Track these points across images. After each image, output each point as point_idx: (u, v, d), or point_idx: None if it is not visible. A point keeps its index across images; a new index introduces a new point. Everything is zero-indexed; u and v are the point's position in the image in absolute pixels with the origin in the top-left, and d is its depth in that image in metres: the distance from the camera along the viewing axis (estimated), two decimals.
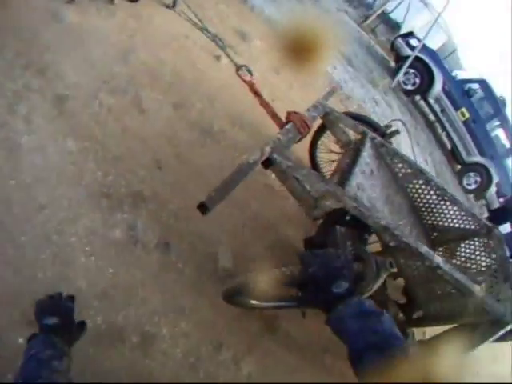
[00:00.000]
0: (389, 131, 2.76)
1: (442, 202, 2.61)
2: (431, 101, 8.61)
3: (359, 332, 0.97)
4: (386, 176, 2.41)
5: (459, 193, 8.68)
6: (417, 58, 7.76)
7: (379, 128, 2.77)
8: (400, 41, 8.68)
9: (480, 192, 9.39)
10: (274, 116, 2.32)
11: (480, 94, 8.70)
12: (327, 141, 3.05)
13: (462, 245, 2.70)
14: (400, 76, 7.77)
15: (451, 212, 2.63)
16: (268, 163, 1.77)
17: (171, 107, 2.87)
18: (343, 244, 2.01)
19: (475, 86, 8.59)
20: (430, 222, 2.72)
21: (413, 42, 8.38)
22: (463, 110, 8.44)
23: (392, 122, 2.90)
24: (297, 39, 1.80)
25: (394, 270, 1.78)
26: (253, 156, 1.68)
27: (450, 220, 2.67)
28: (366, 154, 2.22)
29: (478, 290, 2.01)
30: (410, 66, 7.75)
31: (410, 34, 8.94)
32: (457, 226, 2.67)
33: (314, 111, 2.30)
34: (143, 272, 2.02)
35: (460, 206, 2.61)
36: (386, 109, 6.29)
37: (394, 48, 8.99)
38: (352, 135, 2.61)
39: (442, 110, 8.58)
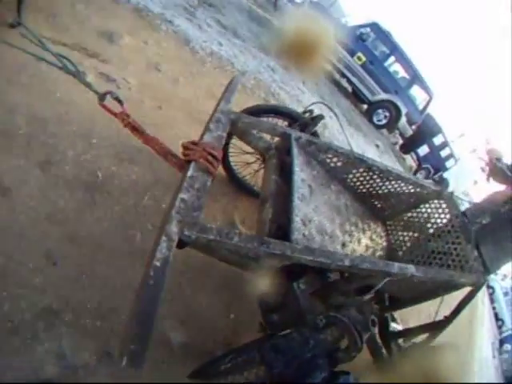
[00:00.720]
0: (312, 117, 2.32)
1: (387, 183, 2.39)
2: None
3: None
4: (322, 178, 2.00)
5: (372, 131, 8.83)
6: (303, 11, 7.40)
7: (299, 118, 2.32)
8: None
9: (391, 125, 9.74)
10: (166, 154, 1.64)
11: (372, 36, 8.80)
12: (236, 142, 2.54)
13: (415, 213, 2.60)
14: None
15: (398, 188, 2.45)
16: (183, 245, 1.23)
17: (38, 170, 2.15)
18: (308, 306, 1.56)
19: (367, 29, 8.65)
20: (377, 203, 2.53)
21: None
22: (359, 54, 8.56)
23: (312, 106, 2.45)
24: None
25: (375, 330, 1.40)
26: (157, 254, 1.11)
27: (397, 195, 2.49)
28: (297, 164, 1.75)
29: (455, 275, 2.01)
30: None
31: None
32: (405, 198, 2.52)
33: (217, 129, 1.67)
34: None
35: (406, 180, 2.41)
36: (284, 73, 5.90)
37: (276, 5, 8.71)
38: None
39: (338, 58, 8.43)
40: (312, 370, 1.04)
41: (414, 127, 10.12)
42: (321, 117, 2.31)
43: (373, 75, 8.77)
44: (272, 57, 6.06)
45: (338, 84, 9.35)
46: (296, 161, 1.75)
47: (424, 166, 11.27)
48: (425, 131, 10.63)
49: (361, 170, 2.26)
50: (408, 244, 2.54)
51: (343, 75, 9.00)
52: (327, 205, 1.90)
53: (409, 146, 11.27)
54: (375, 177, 2.32)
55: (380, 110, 9.27)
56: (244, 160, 2.67)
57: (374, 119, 9.32)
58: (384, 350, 2.15)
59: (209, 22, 5.42)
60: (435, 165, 11.41)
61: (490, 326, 10.40)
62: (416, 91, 9.97)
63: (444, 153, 11.44)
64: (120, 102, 1.68)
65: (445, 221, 2.43)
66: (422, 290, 2.12)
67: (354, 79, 8.82)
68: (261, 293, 1.67)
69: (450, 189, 15.11)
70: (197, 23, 5.07)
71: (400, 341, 2.39)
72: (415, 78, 9.39)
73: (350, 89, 9.61)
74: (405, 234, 2.58)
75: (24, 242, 1.83)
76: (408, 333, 2.39)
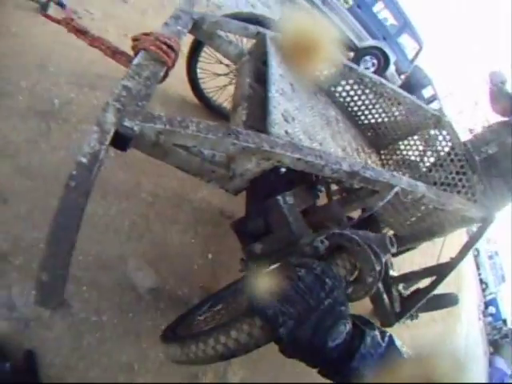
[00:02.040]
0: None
1: (380, 100, 2.12)
2: None
3: None
4: (306, 84, 1.68)
5: None
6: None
7: (273, 24, 1.97)
8: None
9: (379, 73, 9.24)
10: (114, 53, 1.38)
11: None
12: (208, 62, 2.23)
13: (412, 141, 2.37)
14: None
15: (393, 109, 2.19)
16: (123, 141, 0.91)
17: None
18: (299, 226, 1.23)
19: None
20: (369, 129, 2.28)
21: None
22: None
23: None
24: None
25: (394, 248, 1.08)
26: (85, 147, 0.81)
27: (391, 119, 2.25)
28: (274, 61, 1.43)
29: (468, 204, 1.78)
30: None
31: None
32: (400, 123, 2.27)
33: (175, 24, 1.35)
34: None
35: (402, 100, 2.15)
36: (263, 10, 5.56)
37: None
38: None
39: (323, 1, 7.99)
40: (334, 325, 0.75)
41: (402, 77, 9.74)
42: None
43: (360, 20, 8.33)
44: None
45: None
46: (273, 58, 1.43)
47: None
48: (414, 82, 10.21)
49: (351, 81, 1.99)
50: (407, 175, 2.26)
51: (329, 18, 8.45)
52: (314, 110, 1.59)
53: None
54: (367, 91, 2.05)
55: (368, 57, 8.72)
56: (218, 84, 2.37)
57: (362, 66, 8.79)
58: (385, 296, 1.93)
59: None
60: None
61: (475, 289, 10.48)
62: (405, 40, 9.52)
63: (433, 106, 11.14)
64: (62, 6, 1.40)
65: (447, 149, 2.20)
66: (425, 224, 1.88)
67: (340, 23, 8.29)
68: (237, 218, 1.38)
69: None
70: None
71: (401, 286, 2.19)
72: (405, 25, 8.93)
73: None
74: (402, 164, 2.35)
75: None
76: (409, 277, 2.20)
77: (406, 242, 2.05)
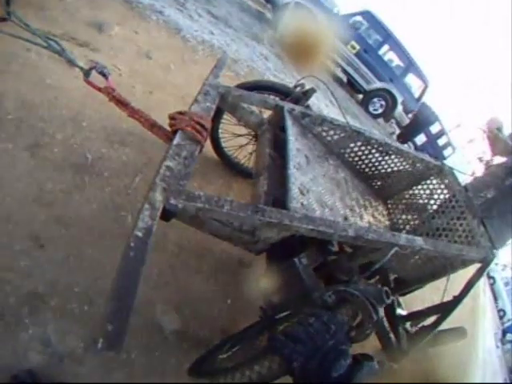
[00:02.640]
0: (303, 91, 2.22)
1: (386, 158, 2.32)
2: None
3: None
4: (319, 152, 1.90)
5: (369, 121, 8.74)
6: (296, 4, 7.38)
7: (291, 92, 2.22)
8: None
9: (388, 114, 9.66)
10: (153, 126, 1.56)
11: (365, 24, 8.70)
12: (228, 123, 2.43)
13: (416, 191, 2.54)
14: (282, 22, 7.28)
15: (398, 163, 2.38)
16: (169, 215, 1.12)
17: (27, 153, 2.07)
18: (312, 282, 1.45)
19: (359, 18, 8.56)
20: (377, 181, 2.47)
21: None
22: (352, 43, 8.42)
23: (302, 80, 2.33)
24: None
25: (390, 300, 1.28)
26: (140, 223, 1.01)
27: (397, 172, 2.43)
28: (291, 135, 1.66)
29: (465, 249, 1.93)
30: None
31: None
32: (405, 175, 2.46)
33: (205, 100, 1.59)
34: None
35: (406, 155, 2.34)
36: (277, 62, 5.83)
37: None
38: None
39: (332, 49, 8.31)
40: (336, 360, 0.95)
41: (410, 116, 9.99)
42: (313, 90, 2.22)
43: (367, 64, 8.66)
44: (265, 46, 5.98)
45: (332, 74, 9.22)
46: (290, 131, 1.66)
47: None
48: (421, 120, 10.51)
49: (359, 143, 2.19)
50: (411, 222, 2.46)
51: (337, 65, 8.87)
52: (326, 177, 1.81)
53: (406, 135, 11.17)
54: (374, 151, 2.25)
55: (376, 99, 9.16)
56: (237, 143, 2.58)
57: (370, 108, 9.21)
58: (392, 335, 2.06)
59: (200, 12, 5.34)
60: (433, 154, 11.29)
61: (492, 316, 10.33)
62: (411, 79, 9.86)
63: (441, 141, 11.36)
64: (105, 76, 1.60)
65: (448, 196, 2.36)
66: (428, 268, 2.03)
67: (348, 68, 8.70)
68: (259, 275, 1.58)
69: None
70: (187, 13, 5.00)
71: (407, 325, 2.30)
72: (410, 65, 9.27)
73: (344, 78, 9.49)
74: (407, 212, 2.51)
75: (10, 224, 1.75)
76: (415, 316, 2.30)
77: (411, 284, 2.23)
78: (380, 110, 9.28)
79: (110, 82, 1.64)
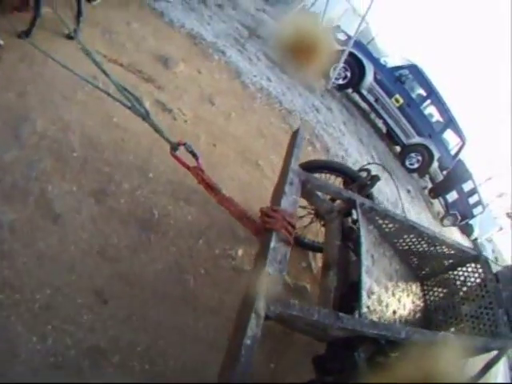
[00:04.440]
0: (369, 178, 2.33)
1: (432, 248, 2.44)
2: (364, 92, 8.43)
3: None
4: (379, 245, 2.03)
5: (404, 175, 8.76)
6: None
7: (356, 177, 2.34)
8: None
9: (423, 170, 9.68)
10: (242, 217, 1.64)
11: (411, 78, 8.77)
12: None
13: (452, 275, 2.63)
14: (334, 74, 7.43)
15: (440, 252, 2.50)
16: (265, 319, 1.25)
17: (92, 199, 2.15)
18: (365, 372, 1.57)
19: (405, 71, 8.61)
20: (419, 264, 2.59)
21: (340, 36, 8.03)
22: (397, 96, 8.45)
23: (367, 166, 2.45)
24: None
25: None
26: (248, 331, 1.13)
27: (438, 257, 2.56)
28: (364, 235, 1.78)
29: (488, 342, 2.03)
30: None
31: (337, 28, 8.62)
32: (445, 260, 2.59)
33: (291, 192, 1.69)
34: None
35: (449, 245, 2.47)
36: (326, 114, 5.97)
37: None
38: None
39: (376, 100, 8.48)
40: None
41: (444, 172, 10.01)
42: (378, 178, 2.32)
43: (408, 118, 8.70)
44: (317, 96, 6.14)
45: (373, 124, 9.35)
46: (363, 231, 1.77)
47: (451, 212, 11.08)
48: (455, 177, 10.49)
49: (411, 235, 2.29)
50: (443, 305, 2.54)
51: (380, 116, 8.95)
52: (384, 273, 1.93)
53: (438, 190, 11.14)
54: (423, 242, 2.36)
55: (413, 154, 9.18)
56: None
57: (407, 163, 9.22)
58: None
59: (258, 55, 5.56)
60: (462, 212, 11.23)
61: None
62: (449, 135, 9.87)
63: (472, 200, 11.28)
64: (195, 155, 1.68)
65: (479, 285, 2.45)
66: None
67: (390, 121, 8.76)
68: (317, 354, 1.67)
69: (475, 234, 14.69)
70: (247, 55, 5.21)
71: None
72: (450, 122, 9.30)
73: (384, 129, 9.58)
74: (441, 295, 2.60)
75: (74, 275, 1.82)
76: None
77: None
78: (416, 165, 9.29)
79: (200, 163, 1.72)
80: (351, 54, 7.62)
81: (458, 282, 2.56)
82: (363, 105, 9.08)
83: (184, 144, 1.73)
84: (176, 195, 2.49)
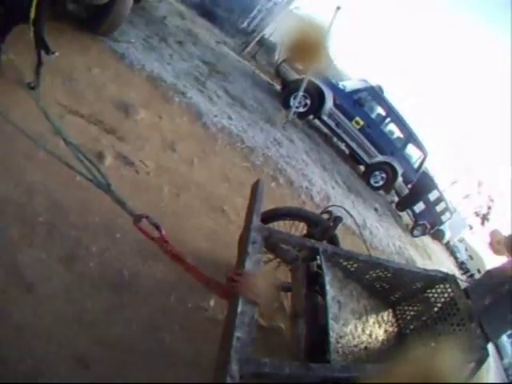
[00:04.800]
0: (332, 221, 2.42)
1: (399, 278, 2.53)
2: (325, 118, 8.71)
3: None
4: (346, 288, 2.11)
5: (370, 193, 9.01)
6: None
7: (319, 221, 2.43)
8: (285, 66, 8.58)
9: (388, 186, 9.99)
10: (209, 283, 1.65)
11: (369, 99, 9.19)
12: None
13: (422, 298, 2.73)
14: (294, 103, 7.65)
15: (406, 280, 2.59)
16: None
17: (62, 266, 2.11)
18: None
19: (364, 94, 9.01)
20: (388, 294, 2.65)
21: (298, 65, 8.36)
22: (357, 118, 8.75)
23: (329, 208, 2.54)
24: None
25: None
26: (228, 378, 1.19)
27: (406, 285, 2.64)
28: (328, 283, 1.86)
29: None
30: (299, 90, 7.59)
31: None
32: (414, 286, 2.66)
33: (254, 251, 1.73)
34: None
35: (416, 274, 2.61)
36: (289, 146, 6.09)
37: (279, 74, 8.96)
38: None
39: (337, 124, 8.76)
40: None
41: (409, 186, 10.25)
42: (340, 219, 2.41)
43: (370, 138, 9.00)
44: (278, 129, 6.28)
45: (336, 148, 9.62)
46: (327, 278, 1.86)
47: (420, 222, 11.41)
48: (420, 188, 10.83)
49: (377, 270, 2.38)
50: (416, 327, 2.63)
51: (342, 139, 9.24)
52: (352, 314, 2.01)
53: (405, 203, 11.49)
54: (389, 275, 2.44)
55: (377, 172, 9.48)
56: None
57: (372, 181, 9.50)
58: None
59: (218, 92, 5.64)
60: (431, 220, 11.59)
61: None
62: (411, 149, 10.25)
63: (439, 207, 11.66)
64: (158, 227, 1.70)
65: (450, 303, 2.53)
66: None
67: (352, 143, 9.05)
68: None
69: (446, 238, 15.05)
70: (207, 94, 5.26)
71: None
72: (410, 137, 9.71)
73: (347, 151, 9.86)
74: (413, 318, 2.67)
75: (53, 344, 1.79)
76: None
77: None
78: (381, 183, 9.58)
79: (164, 234, 1.74)
80: (310, 82, 7.83)
81: (429, 304, 2.65)
82: (325, 130, 9.33)
83: (146, 217, 1.75)
84: (143, 254, 2.46)
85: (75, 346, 1.85)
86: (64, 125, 2.72)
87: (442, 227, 13.59)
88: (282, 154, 5.46)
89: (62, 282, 2.05)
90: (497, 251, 2.67)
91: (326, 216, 2.47)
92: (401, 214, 11.87)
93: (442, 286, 2.60)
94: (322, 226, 2.36)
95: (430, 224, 11.62)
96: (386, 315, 2.57)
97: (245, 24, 14.81)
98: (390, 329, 2.54)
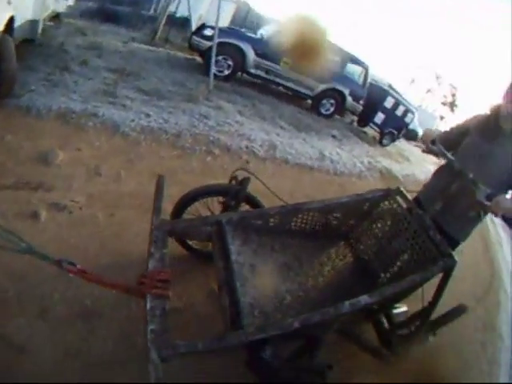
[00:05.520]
0: (239, 182, 2.47)
1: (330, 215, 2.52)
2: (252, 71, 8.66)
3: None
4: (263, 247, 2.16)
5: (324, 123, 9.03)
6: (219, 44, 7.58)
7: (228, 190, 2.46)
8: (195, 38, 8.52)
9: (340, 110, 10.13)
10: (128, 290, 1.73)
11: None
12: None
13: (370, 220, 2.70)
14: (213, 71, 7.47)
15: (345, 211, 2.58)
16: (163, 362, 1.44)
17: (40, 320, 2.26)
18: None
19: None
20: (332, 228, 2.63)
21: (207, 32, 8.23)
22: (284, 59, 8.66)
23: (236, 172, 2.55)
24: None
25: None
26: (151, 378, 1.32)
27: (348, 214, 2.62)
28: (235, 252, 1.94)
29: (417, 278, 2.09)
30: (217, 54, 7.51)
31: (202, 27, 8.79)
32: (357, 212, 2.64)
33: (157, 249, 1.81)
34: None
35: (349, 202, 2.52)
36: (218, 114, 6.00)
37: (193, 48, 8.83)
38: None
39: (267, 71, 8.73)
40: None
41: (361, 102, 10.30)
42: (247, 179, 2.44)
43: (304, 72, 8.79)
44: (202, 103, 6.20)
45: (277, 93, 9.49)
46: (232, 247, 1.94)
47: (386, 131, 11.49)
48: (373, 100, 10.86)
49: (300, 215, 2.38)
50: (373, 250, 2.62)
51: (278, 83, 9.16)
52: (275, 270, 2.05)
53: (364, 119, 11.57)
54: (317, 214, 2.43)
55: (324, 101, 9.52)
56: None
57: (322, 111, 9.55)
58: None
59: (131, 95, 5.51)
60: (396, 125, 11.64)
61: None
62: (351, 68, 10.17)
63: (399, 111, 11.68)
64: (73, 264, 1.76)
65: (398, 218, 2.49)
66: (398, 294, 2.17)
67: (288, 84, 9.05)
68: None
69: (420, 135, 15.01)
70: (120, 103, 5.13)
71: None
72: (345, 58, 9.66)
73: (289, 93, 9.77)
74: (367, 242, 2.67)
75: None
76: (402, 325, 2.51)
77: (390, 303, 2.41)
78: (332, 109, 9.67)
79: (80, 267, 1.81)
80: (224, 44, 7.84)
81: (379, 224, 2.62)
82: (259, 81, 9.22)
83: (60, 260, 1.80)
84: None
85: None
86: None
87: (411, 127, 13.69)
88: (212, 126, 5.40)
89: (44, 332, 2.20)
90: (428, 150, 2.63)
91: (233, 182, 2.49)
92: (365, 130, 11.92)
93: (386, 203, 2.56)
94: (231, 193, 2.40)
95: (396, 130, 11.69)
96: (336, 247, 2.62)
97: (151, 11, 14.39)
98: (345, 259, 2.58)
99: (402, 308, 2.73)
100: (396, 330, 2.46)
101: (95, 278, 1.80)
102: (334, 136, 8.35)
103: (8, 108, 4.13)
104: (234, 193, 2.40)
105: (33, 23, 5.36)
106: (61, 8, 8.19)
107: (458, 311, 2.64)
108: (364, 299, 1.84)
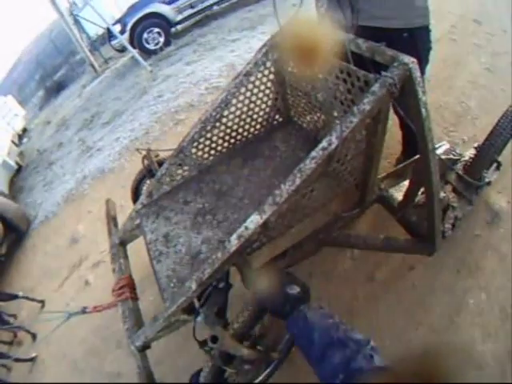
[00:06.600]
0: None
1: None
2: (180, 17, 8.22)
3: (323, 329, 0.97)
4: (180, 210, 1.94)
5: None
6: (134, 24, 7.70)
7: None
8: (114, 42, 8.51)
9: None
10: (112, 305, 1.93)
11: None
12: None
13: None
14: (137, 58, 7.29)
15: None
16: (144, 349, 1.60)
17: None
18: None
19: None
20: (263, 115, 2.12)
21: (117, 29, 7.98)
22: None
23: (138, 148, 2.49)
24: None
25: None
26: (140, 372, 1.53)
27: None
28: (148, 234, 1.88)
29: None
30: (141, 32, 7.74)
31: (109, 31, 8.24)
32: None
33: (115, 260, 1.95)
34: None
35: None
36: (169, 84, 5.96)
37: (122, 49, 8.65)
38: None
39: (191, 5, 8.15)
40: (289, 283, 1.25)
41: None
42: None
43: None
44: (149, 88, 6.20)
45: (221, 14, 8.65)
46: (146, 229, 1.90)
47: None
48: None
49: (209, 134, 1.97)
50: (305, 110, 2.05)
51: (210, 6, 8.37)
52: (188, 224, 1.83)
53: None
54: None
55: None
56: None
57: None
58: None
59: (65, 167, 5.84)
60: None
61: None
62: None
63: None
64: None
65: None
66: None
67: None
68: None
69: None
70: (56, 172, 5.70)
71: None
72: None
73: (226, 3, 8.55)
74: (308, 109, 2.04)
75: None
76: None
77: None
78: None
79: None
80: (139, 21, 7.87)
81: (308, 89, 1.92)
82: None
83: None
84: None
85: None
86: None
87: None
88: (169, 97, 5.41)
89: None
90: None
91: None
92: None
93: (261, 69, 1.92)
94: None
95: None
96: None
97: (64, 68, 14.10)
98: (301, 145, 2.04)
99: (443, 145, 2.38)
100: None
101: (101, 307, 2.02)
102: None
103: None
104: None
105: None
106: None
107: None
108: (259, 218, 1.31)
